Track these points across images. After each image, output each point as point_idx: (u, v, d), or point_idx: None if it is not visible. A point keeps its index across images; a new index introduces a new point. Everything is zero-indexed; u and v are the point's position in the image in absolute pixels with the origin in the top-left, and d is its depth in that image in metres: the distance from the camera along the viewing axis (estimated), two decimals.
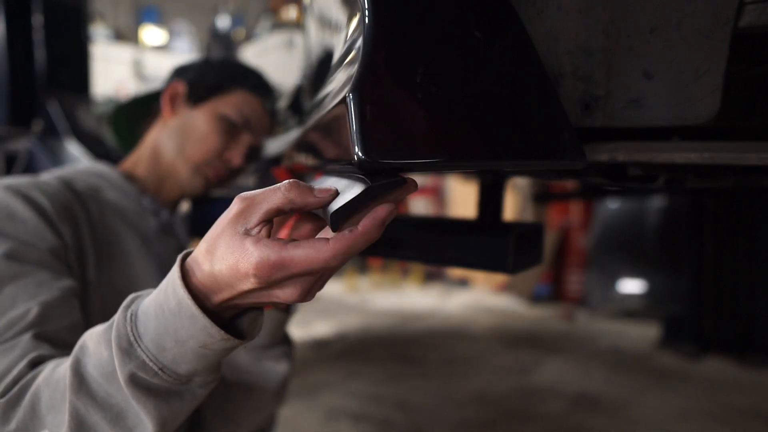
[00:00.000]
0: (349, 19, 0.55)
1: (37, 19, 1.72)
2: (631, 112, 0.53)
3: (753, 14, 0.45)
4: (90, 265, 0.79)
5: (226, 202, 0.47)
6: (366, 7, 0.46)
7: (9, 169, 1.77)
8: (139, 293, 0.52)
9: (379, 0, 0.47)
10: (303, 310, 3.93)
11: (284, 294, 0.45)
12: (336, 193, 0.46)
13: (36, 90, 1.74)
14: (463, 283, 4.99)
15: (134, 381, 0.48)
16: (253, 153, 1.04)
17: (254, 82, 1.03)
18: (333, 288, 4.84)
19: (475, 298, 4.47)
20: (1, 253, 0.66)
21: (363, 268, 5.55)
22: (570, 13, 0.52)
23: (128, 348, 0.48)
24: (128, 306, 0.50)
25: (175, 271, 0.47)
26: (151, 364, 0.48)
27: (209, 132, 0.96)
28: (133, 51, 7.30)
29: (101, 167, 0.94)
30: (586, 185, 2.22)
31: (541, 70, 0.49)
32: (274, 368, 0.82)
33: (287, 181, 0.45)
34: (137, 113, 1.11)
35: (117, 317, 0.50)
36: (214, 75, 1.00)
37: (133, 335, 0.48)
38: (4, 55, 1.72)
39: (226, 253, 0.44)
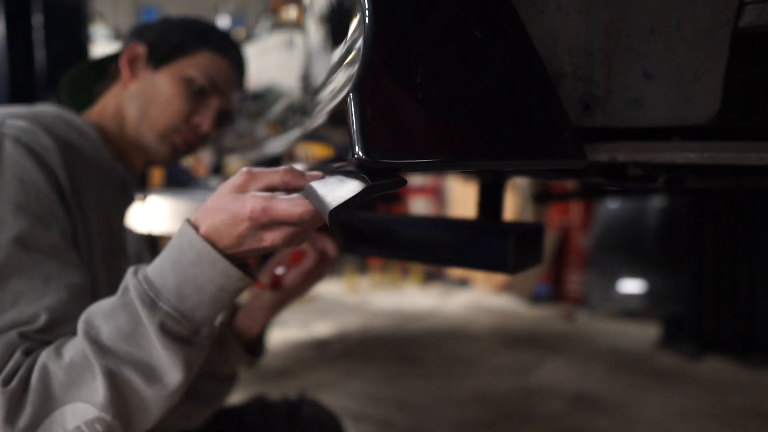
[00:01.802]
0: (349, 19, 0.55)
1: (37, 19, 1.72)
2: (631, 112, 0.53)
3: (753, 14, 0.45)
4: (95, 249, 0.74)
5: None
6: (366, 7, 0.46)
7: None
8: (136, 266, 0.59)
9: (379, 0, 0.47)
10: (303, 311, 3.93)
11: (271, 237, 0.54)
12: (323, 177, 0.55)
13: (36, 90, 1.74)
14: (463, 283, 4.99)
15: (163, 330, 0.55)
16: (224, 118, 0.96)
17: (220, 41, 0.94)
18: (333, 288, 4.84)
19: (475, 298, 4.47)
20: (11, 237, 0.61)
21: (363, 268, 5.55)
22: (570, 13, 0.52)
23: (151, 303, 0.54)
24: (135, 273, 0.57)
25: (187, 229, 0.56)
26: (174, 312, 0.55)
27: (174, 96, 0.88)
28: None
29: (72, 116, 0.82)
30: (586, 185, 2.22)
31: (541, 70, 0.49)
32: (221, 391, 0.85)
33: (285, 166, 0.56)
34: (93, 77, 0.99)
35: (129, 283, 0.56)
36: (177, 34, 0.91)
37: (153, 291, 0.55)
38: (4, 55, 1.71)
39: (228, 206, 0.54)
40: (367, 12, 0.46)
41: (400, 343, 3.16)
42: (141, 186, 1.00)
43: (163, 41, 0.91)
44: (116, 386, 0.54)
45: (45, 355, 0.56)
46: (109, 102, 0.92)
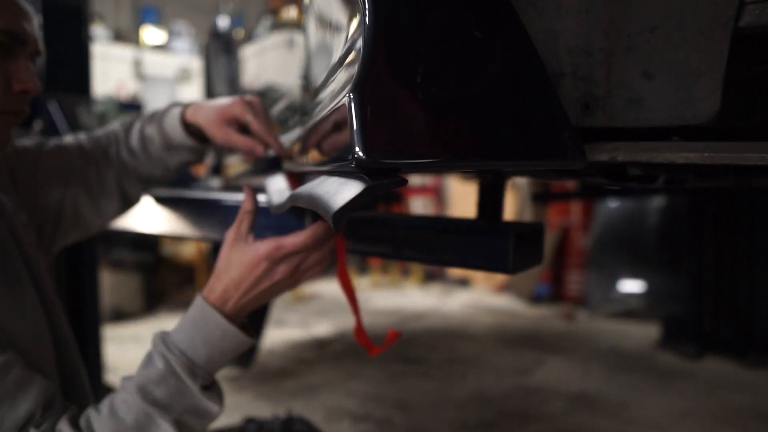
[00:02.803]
0: (349, 19, 0.55)
1: (37, 19, 1.72)
2: (631, 112, 0.53)
3: (753, 14, 0.45)
4: None
5: None
6: (366, 7, 0.46)
7: None
8: (161, 334, 0.71)
9: (379, 0, 0.47)
10: (303, 311, 3.93)
11: (282, 271, 0.70)
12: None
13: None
14: (463, 283, 4.99)
15: (204, 388, 0.70)
16: (34, 61, 0.78)
17: None
18: (333, 288, 4.84)
19: (475, 298, 4.47)
20: None
21: (363, 268, 5.56)
22: (570, 13, 0.52)
23: (191, 372, 0.69)
24: (168, 347, 0.69)
25: (209, 311, 0.70)
26: (207, 375, 0.70)
27: None
28: (133, 51, 7.30)
29: None
30: (586, 185, 2.22)
31: (541, 70, 0.49)
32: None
33: (245, 200, 0.75)
34: None
35: (170, 357, 0.68)
36: None
37: (191, 364, 0.69)
38: None
39: (241, 259, 0.70)
40: (367, 12, 0.46)
41: (400, 343, 3.16)
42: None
43: None
44: (180, 429, 0.68)
45: (102, 424, 0.66)
46: None
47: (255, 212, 0.74)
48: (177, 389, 0.68)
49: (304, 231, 0.69)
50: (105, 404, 0.69)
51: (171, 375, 0.68)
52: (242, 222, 0.73)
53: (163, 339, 0.71)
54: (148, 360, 0.70)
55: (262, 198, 0.84)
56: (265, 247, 0.68)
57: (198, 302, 0.72)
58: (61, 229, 0.95)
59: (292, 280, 0.72)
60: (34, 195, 0.91)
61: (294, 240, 0.68)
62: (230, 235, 0.73)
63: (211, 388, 0.72)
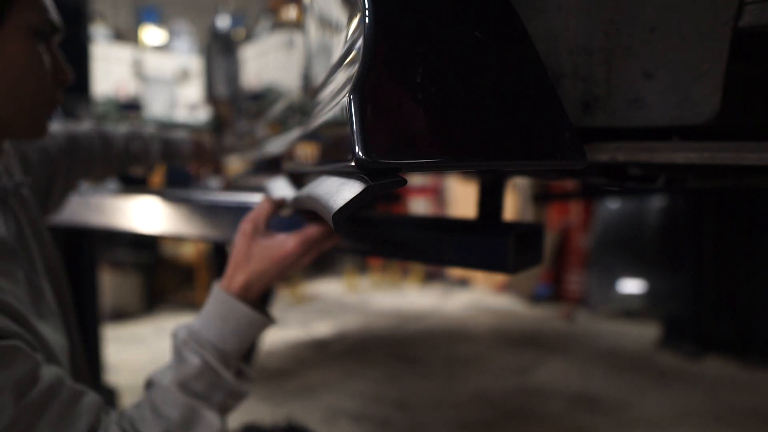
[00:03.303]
0: (349, 19, 0.55)
1: None
2: (631, 112, 0.53)
3: (753, 14, 0.45)
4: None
5: None
6: (366, 7, 0.46)
7: None
8: (189, 329, 0.73)
9: (379, 0, 0.47)
10: (303, 311, 3.93)
11: (307, 258, 0.73)
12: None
13: None
14: (463, 283, 4.99)
15: (237, 374, 0.74)
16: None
17: None
18: (333, 288, 4.84)
19: (475, 298, 4.47)
20: (12, 399, 0.55)
21: (363, 268, 5.55)
22: (570, 13, 0.52)
23: (226, 363, 0.72)
24: (199, 342, 0.71)
25: (235, 303, 0.72)
26: (237, 363, 0.74)
27: (34, 61, 0.69)
28: (133, 51, 7.29)
29: None
30: (586, 185, 2.22)
31: (541, 69, 0.49)
32: None
33: (264, 198, 0.78)
34: None
35: (205, 354, 0.70)
36: None
37: (225, 357, 0.71)
38: None
39: (267, 253, 0.72)
40: (367, 12, 0.46)
41: (400, 343, 3.16)
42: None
43: None
44: (224, 412, 0.72)
45: (149, 426, 0.67)
46: None
47: (274, 207, 0.77)
48: (215, 381, 0.71)
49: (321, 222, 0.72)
50: (144, 405, 0.69)
51: (208, 370, 0.71)
52: (260, 215, 0.75)
53: (192, 336, 0.72)
54: (179, 357, 0.71)
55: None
56: (293, 241, 0.71)
57: (221, 295, 0.73)
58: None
59: (306, 265, 0.76)
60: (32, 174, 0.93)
61: (317, 230, 0.72)
62: (247, 226, 0.74)
63: (242, 371, 0.75)
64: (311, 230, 0.72)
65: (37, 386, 0.57)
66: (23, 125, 0.72)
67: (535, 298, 4.18)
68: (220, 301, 0.73)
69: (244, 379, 0.76)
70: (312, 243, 0.72)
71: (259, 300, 0.77)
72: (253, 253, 0.73)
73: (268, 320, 0.75)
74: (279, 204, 0.78)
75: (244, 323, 0.73)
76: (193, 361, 0.71)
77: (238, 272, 0.73)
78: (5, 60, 0.66)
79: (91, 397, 0.64)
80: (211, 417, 0.70)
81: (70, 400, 0.60)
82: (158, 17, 7.91)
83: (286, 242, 0.72)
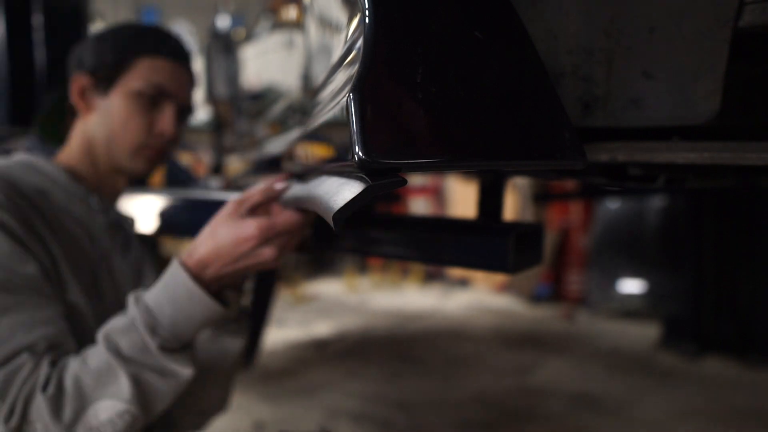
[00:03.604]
0: (349, 19, 0.55)
1: (37, 19, 1.72)
2: (631, 112, 0.53)
3: (753, 14, 0.45)
4: (70, 283, 0.80)
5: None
6: (366, 7, 0.46)
7: None
8: (136, 292, 0.73)
9: (379, 0, 0.47)
10: (303, 311, 3.93)
11: (268, 251, 0.69)
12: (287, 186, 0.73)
13: (36, 90, 1.73)
14: (463, 283, 4.99)
15: (162, 347, 0.70)
16: (185, 113, 0.99)
17: (152, 42, 0.93)
18: (333, 288, 4.84)
19: (475, 298, 4.47)
20: None
21: (363, 268, 5.55)
22: (570, 13, 0.52)
23: (152, 330, 0.69)
24: (137, 302, 0.71)
25: (180, 272, 0.70)
26: (169, 336, 0.70)
27: (130, 114, 0.90)
28: None
29: (40, 162, 0.89)
30: (586, 185, 2.22)
31: (541, 70, 0.49)
32: (232, 342, 0.95)
33: (263, 183, 0.74)
34: (59, 116, 1.03)
35: (133, 312, 0.70)
36: (110, 52, 0.91)
37: (153, 321, 0.69)
38: (4, 55, 1.71)
39: (230, 231, 0.69)
40: (367, 12, 0.46)
41: (400, 343, 3.16)
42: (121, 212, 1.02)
43: (101, 64, 0.91)
44: (138, 384, 0.69)
45: (73, 365, 0.69)
46: (76, 137, 0.95)
47: (265, 196, 0.73)
48: (139, 344, 0.69)
49: (297, 211, 0.69)
50: (86, 350, 0.71)
51: (133, 328, 0.69)
52: (248, 197, 0.73)
53: (136, 295, 0.72)
54: (122, 313, 0.72)
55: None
56: (256, 224, 0.68)
57: (173, 264, 0.72)
58: None
59: (273, 260, 0.71)
60: None
61: (287, 219, 0.69)
62: (230, 205, 0.72)
63: (178, 351, 0.72)
64: (278, 218, 0.69)
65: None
66: (126, 164, 0.93)
67: (535, 298, 4.18)
68: (171, 269, 0.72)
69: (180, 360, 0.71)
70: (275, 233, 0.68)
71: (222, 286, 0.74)
72: (219, 232, 0.70)
73: (215, 305, 0.71)
74: (273, 193, 0.74)
75: (184, 295, 0.69)
76: (125, 316, 0.71)
77: (200, 246, 0.71)
78: (111, 113, 0.91)
79: (56, 329, 0.71)
80: (123, 382, 0.67)
81: (33, 311, 0.71)
82: (158, 17, 7.91)
83: (246, 225, 0.69)
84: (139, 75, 0.90)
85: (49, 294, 0.75)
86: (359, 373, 2.60)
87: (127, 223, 1.00)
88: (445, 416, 2.12)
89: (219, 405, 0.98)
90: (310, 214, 0.70)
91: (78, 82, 0.92)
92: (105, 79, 0.90)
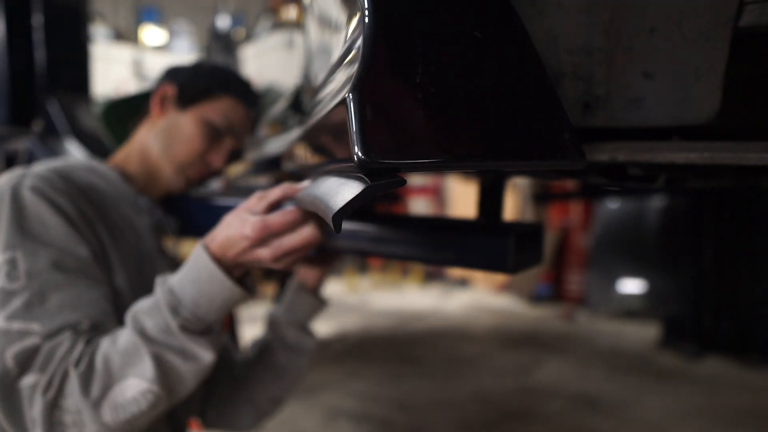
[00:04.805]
0: (349, 19, 0.55)
1: (37, 19, 1.71)
2: (631, 112, 0.53)
3: (753, 14, 0.44)
4: (116, 270, 0.85)
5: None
6: (366, 6, 0.46)
7: (9, 169, 1.77)
8: (164, 275, 0.76)
9: (379, 0, 0.47)
10: None
11: (263, 252, 0.69)
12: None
13: (36, 90, 1.73)
14: (463, 283, 4.99)
15: (184, 328, 0.71)
16: (234, 155, 1.08)
17: (242, 90, 1.06)
18: (333, 288, 4.84)
19: (475, 298, 4.47)
20: (49, 261, 0.75)
21: (363, 268, 5.55)
22: (570, 13, 0.52)
23: (174, 310, 0.71)
24: (162, 283, 0.74)
25: (202, 254, 0.72)
26: (191, 317, 0.71)
27: (194, 136, 1.00)
28: (133, 51, 7.29)
29: (96, 164, 0.95)
30: (586, 185, 2.22)
31: (541, 70, 0.49)
32: (309, 340, 1.05)
33: (283, 184, 0.74)
34: (129, 111, 1.13)
35: (159, 293, 0.72)
36: (204, 80, 1.02)
37: (175, 301, 0.71)
38: (4, 55, 1.71)
39: (237, 225, 0.70)
40: (366, 12, 0.46)
41: (400, 343, 3.16)
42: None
43: (192, 85, 1.01)
44: (161, 365, 0.71)
45: (104, 344, 0.72)
46: (136, 141, 1.03)
47: (284, 194, 0.73)
48: (162, 324, 0.71)
49: (295, 208, 0.69)
50: (117, 330, 0.74)
51: (157, 309, 0.72)
52: (270, 195, 0.73)
53: (162, 279, 0.74)
54: (150, 295, 0.75)
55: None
56: (251, 224, 0.68)
57: (197, 247, 0.74)
58: None
59: (270, 261, 0.70)
60: None
61: (279, 218, 0.68)
62: (251, 199, 0.73)
63: (200, 334, 0.73)
64: (274, 218, 0.68)
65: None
66: (167, 176, 1.01)
67: (535, 298, 4.19)
68: (195, 252, 0.73)
69: (203, 343, 0.72)
70: (268, 233, 0.68)
71: (241, 273, 0.74)
72: (231, 223, 0.72)
73: (235, 288, 0.72)
74: (291, 192, 0.74)
75: (204, 276, 0.71)
76: (153, 297, 0.73)
77: (218, 233, 0.73)
78: (178, 126, 1.00)
79: (102, 308, 0.76)
80: (146, 362, 0.69)
81: (86, 289, 0.76)
82: (158, 17, 7.91)
83: (247, 223, 0.69)
84: (218, 109, 1.01)
85: (97, 277, 0.80)
86: (359, 373, 2.60)
87: (169, 225, 1.06)
88: (446, 416, 2.12)
89: (284, 396, 1.06)
90: (313, 216, 0.69)
91: (164, 90, 1.01)
92: (188, 97, 1.00)
